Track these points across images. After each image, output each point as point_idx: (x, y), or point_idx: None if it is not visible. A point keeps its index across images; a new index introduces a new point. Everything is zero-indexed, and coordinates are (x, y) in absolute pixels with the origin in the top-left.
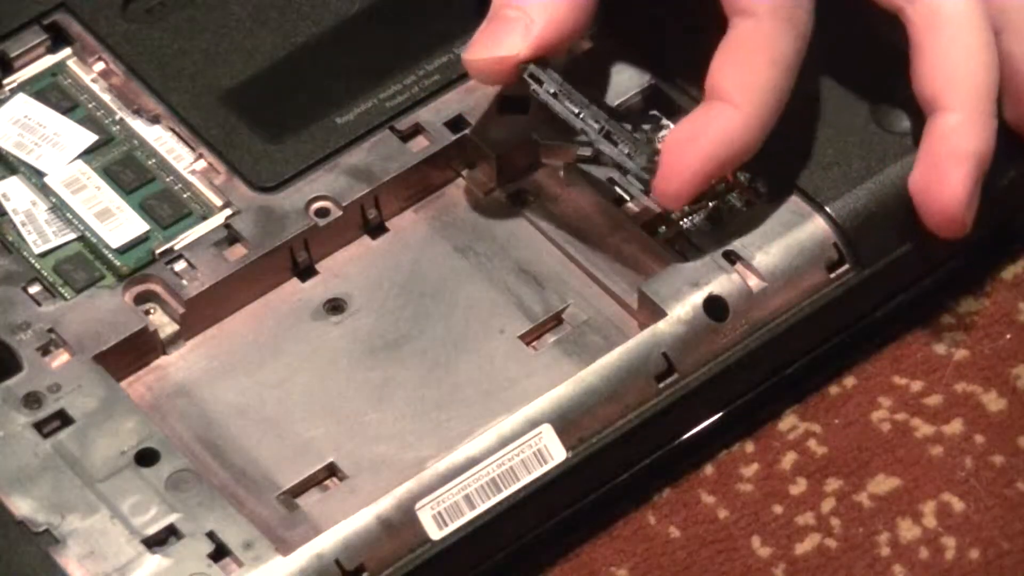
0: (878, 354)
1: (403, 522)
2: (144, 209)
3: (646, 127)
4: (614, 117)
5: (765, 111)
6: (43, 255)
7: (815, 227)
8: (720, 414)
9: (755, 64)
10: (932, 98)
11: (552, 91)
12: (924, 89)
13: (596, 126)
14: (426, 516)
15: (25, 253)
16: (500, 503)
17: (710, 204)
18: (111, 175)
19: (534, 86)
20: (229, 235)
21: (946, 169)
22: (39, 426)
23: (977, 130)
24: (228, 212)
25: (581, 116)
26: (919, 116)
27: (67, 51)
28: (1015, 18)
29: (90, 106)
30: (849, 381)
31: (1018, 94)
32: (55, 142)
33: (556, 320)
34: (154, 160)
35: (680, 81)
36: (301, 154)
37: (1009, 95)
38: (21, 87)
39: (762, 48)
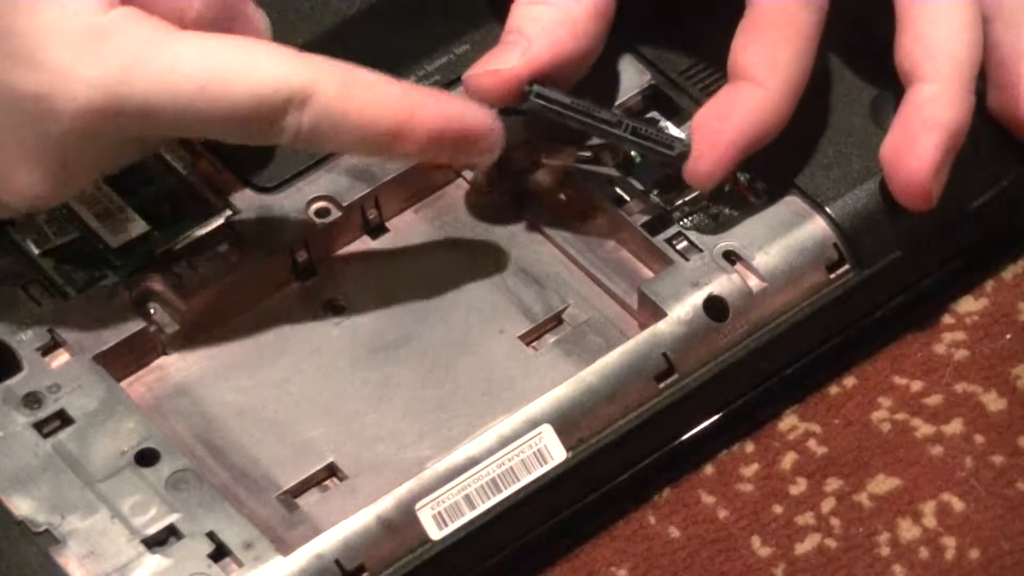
0: (878, 354)
1: (403, 522)
2: (144, 209)
3: (665, 132)
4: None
5: (790, 86)
6: (43, 255)
7: (815, 227)
8: (720, 414)
9: (777, 40)
10: (911, 70)
11: (563, 103)
12: (904, 61)
13: (620, 126)
14: (426, 516)
15: (25, 253)
16: (500, 503)
17: (710, 204)
18: (111, 175)
19: (543, 104)
20: (229, 235)
21: (917, 137)
22: (39, 426)
23: (952, 102)
24: (228, 212)
25: (600, 124)
26: None
27: None
28: (1008, 8)
29: None
30: (849, 381)
31: (1003, 83)
32: None
33: (556, 320)
34: (154, 160)
35: (680, 81)
36: (301, 154)
37: (994, 84)
38: None
39: (782, 24)
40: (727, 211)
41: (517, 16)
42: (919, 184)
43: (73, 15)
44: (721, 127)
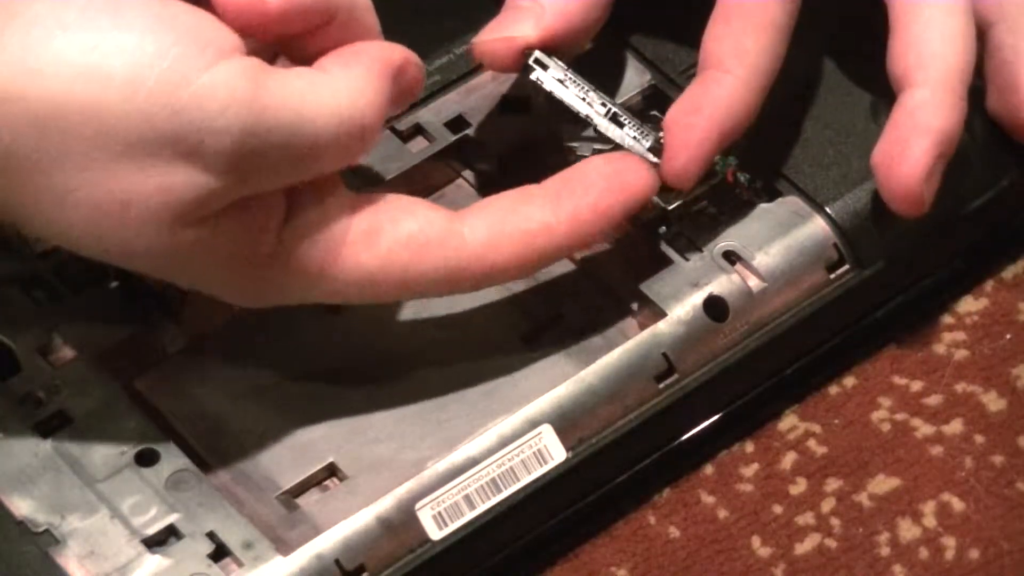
0: (878, 354)
1: (403, 522)
2: None
3: (647, 126)
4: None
5: (759, 75)
6: (43, 255)
7: (815, 227)
8: (720, 414)
9: (746, 30)
10: (902, 76)
11: (557, 77)
12: (896, 67)
13: (602, 110)
14: (426, 516)
15: (25, 253)
16: (500, 503)
17: (710, 204)
18: None
19: (538, 72)
20: None
21: (908, 142)
22: (39, 426)
23: (943, 107)
24: None
25: (587, 101)
26: None
27: None
28: (1011, 11)
29: None
30: (849, 381)
31: (1005, 86)
32: None
33: (556, 320)
34: None
35: (680, 81)
36: None
37: (995, 87)
38: None
39: (751, 13)
40: (727, 211)
41: None
42: (910, 190)
43: None
44: (693, 122)
